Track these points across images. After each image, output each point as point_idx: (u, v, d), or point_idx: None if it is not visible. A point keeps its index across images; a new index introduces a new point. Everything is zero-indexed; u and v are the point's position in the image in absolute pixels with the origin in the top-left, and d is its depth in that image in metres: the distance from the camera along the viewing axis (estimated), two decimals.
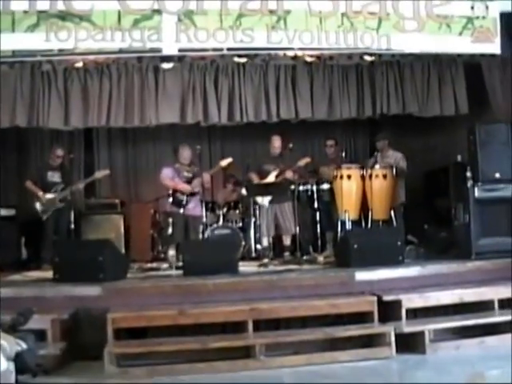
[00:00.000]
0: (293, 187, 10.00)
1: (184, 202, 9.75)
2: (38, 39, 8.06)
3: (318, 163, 10.87)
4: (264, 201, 9.94)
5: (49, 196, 10.15)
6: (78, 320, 7.00)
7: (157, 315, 6.87)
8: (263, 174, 10.11)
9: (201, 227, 10.30)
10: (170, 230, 10.36)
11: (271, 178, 9.96)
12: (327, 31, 8.51)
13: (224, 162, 9.99)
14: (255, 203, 10.97)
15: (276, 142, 10.23)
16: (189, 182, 9.86)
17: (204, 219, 10.36)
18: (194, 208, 9.93)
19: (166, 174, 9.95)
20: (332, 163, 10.40)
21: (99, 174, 10.74)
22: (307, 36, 8.48)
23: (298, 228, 9.99)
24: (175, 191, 9.81)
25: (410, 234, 10.06)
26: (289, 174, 9.92)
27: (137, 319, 6.83)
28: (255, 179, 10.19)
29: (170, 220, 10.32)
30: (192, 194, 9.80)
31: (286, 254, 10.09)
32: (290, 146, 9.98)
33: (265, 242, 10.16)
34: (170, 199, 9.87)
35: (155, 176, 12.27)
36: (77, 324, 6.98)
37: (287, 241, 10.20)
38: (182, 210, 9.74)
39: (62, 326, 6.72)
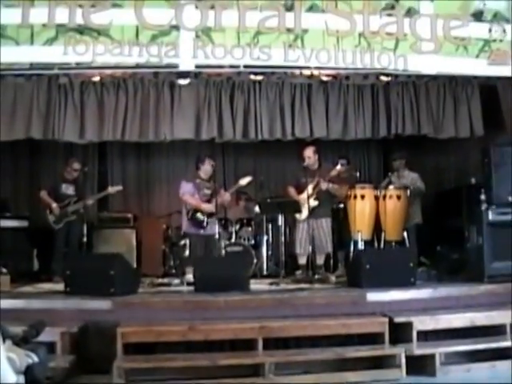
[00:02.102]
0: (316, 203, 9.84)
1: (205, 224, 9.56)
2: (55, 52, 8.14)
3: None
4: (301, 216, 9.87)
5: (62, 208, 10.19)
6: (87, 333, 6.99)
7: (166, 330, 6.85)
8: (301, 187, 10.00)
9: (222, 244, 10.27)
10: (187, 252, 10.31)
11: (309, 191, 9.79)
12: (344, 50, 8.53)
13: (244, 181, 9.82)
14: (268, 220, 10.99)
15: (308, 152, 10.08)
16: (208, 200, 9.65)
17: (217, 236, 10.19)
18: (213, 227, 9.69)
19: (187, 189, 9.73)
20: (344, 182, 10.35)
21: (112, 189, 10.75)
22: (324, 55, 8.50)
23: (332, 246, 10.06)
24: (195, 211, 9.62)
25: (422, 256, 10.02)
26: (323, 185, 9.82)
27: (146, 334, 6.81)
28: (293, 193, 10.10)
29: (187, 241, 10.26)
30: (212, 214, 9.61)
31: (298, 272, 10.05)
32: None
33: (302, 260, 10.02)
34: (188, 219, 9.68)
35: (168, 191, 12.42)
36: (86, 337, 6.97)
37: (321, 260, 10.07)
38: (202, 231, 9.60)
39: (71, 339, 6.72)
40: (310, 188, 9.80)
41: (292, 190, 10.14)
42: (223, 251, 10.21)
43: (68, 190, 10.46)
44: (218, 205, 9.57)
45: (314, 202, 9.76)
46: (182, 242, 10.77)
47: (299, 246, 9.97)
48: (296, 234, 10.11)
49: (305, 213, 9.72)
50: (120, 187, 10.82)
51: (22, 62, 8.28)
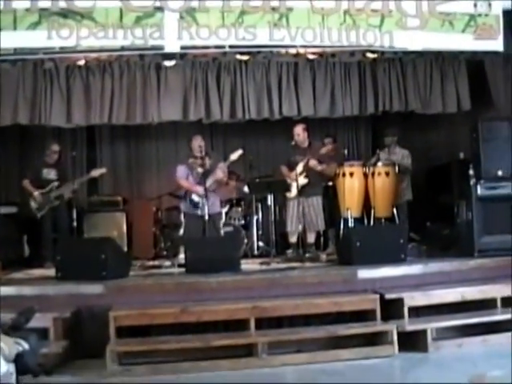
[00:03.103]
0: (305, 181, 9.86)
1: (200, 205, 9.54)
2: (39, 37, 8.11)
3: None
4: (291, 194, 9.87)
5: (42, 194, 10.11)
6: (80, 318, 7.00)
7: (159, 313, 6.86)
8: (292, 166, 10.01)
9: (221, 223, 10.23)
10: (181, 231, 10.31)
11: (300, 168, 9.83)
12: (329, 28, 8.54)
13: (234, 155, 9.73)
14: (257, 200, 10.99)
15: (297, 129, 10.08)
16: (201, 179, 9.54)
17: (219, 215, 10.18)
18: (212, 206, 9.56)
19: (181, 172, 9.73)
20: (332, 161, 10.33)
21: (95, 172, 10.55)
22: (309, 33, 8.51)
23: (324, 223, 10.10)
24: (190, 193, 9.65)
25: (413, 232, 10.06)
26: (312, 163, 9.83)
27: (139, 317, 6.83)
28: (286, 172, 10.10)
29: (183, 221, 10.25)
30: (207, 194, 9.51)
31: (289, 251, 10.07)
32: None
33: (292, 238, 10.09)
34: (185, 201, 9.75)
35: (157, 173, 12.42)
36: (79, 322, 6.98)
37: (311, 238, 10.13)
38: (199, 212, 9.57)
39: (64, 325, 6.73)
40: (300, 166, 9.82)
41: (284, 169, 10.14)
42: (221, 231, 10.16)
43: (49, 174, 10.32)
44: (211, 182, 9.54)
45: (303, 180, 9.78)
46: (175, 223, 10.73)
47: (290, 224, 10.00)
48: (287, 213, 10.14)
49: (294, 191, 9.73)
50: (103, 170, 10.64)
51: (6, 48, 8.21)
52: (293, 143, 10.01)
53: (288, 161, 10.14)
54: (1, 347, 4.57)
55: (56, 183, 10.25)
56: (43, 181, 10.26)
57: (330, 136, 11.11)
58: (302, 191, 9.71)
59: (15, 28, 8.05)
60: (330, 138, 10.94)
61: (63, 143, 10.87)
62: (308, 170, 9.84)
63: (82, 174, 11.23)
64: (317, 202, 10.00)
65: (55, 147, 10.44)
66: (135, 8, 8.21)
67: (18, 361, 4.77)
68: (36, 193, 10.11)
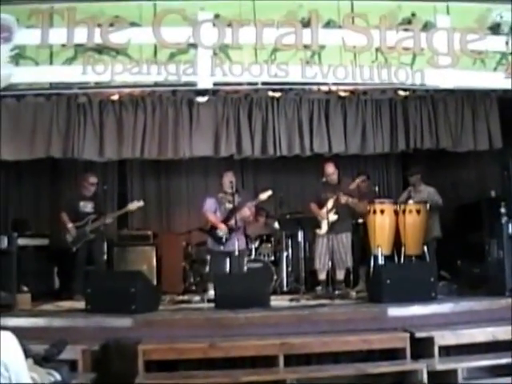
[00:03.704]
0: (335, 217, 9.86)
1: (224, 240, 9.61)
2: (75, 72, 8.24)
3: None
4: (321, 230, 9.86)
5: (78, 228, 10.14)
6: (108, 351, 7.00)
7: (187, 348, 6.85)
8: (322, 203, 10.01)
9: (245, 260, 10.20)
10: (207, 268, 10.34)
11: (329, 205, 9.83)
12: (361, 66, 8.55)
13: (264, 196, 9.78)
14: (287, 236, 10.99)
15: (329, 168, 10.14)
16: (228, 215, 9.65)
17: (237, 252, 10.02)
18: (236, 243, 9.58)
19: (209, 205, 9.82)
20: (365, 198, 10.33)
21: (132, 205, 10.57)
22: (341, 71, 8.53)
23: (352, 261, 10.09)
24: (215, 228, 9.70)
25: (443, 270, 9.98)
26: (343, 199, 9.84)
27: (167, 351, 6.81)
28: (315, 209, 10.10)
29: (208, 257, 10.30)
30: (232, 230, 9.59)
31: (318, 288, 10.03)
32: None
33: (322, 275, 10.04)
34: (208, 234, 9.81)
35: (187, 208, 12.47)
36: (107, 355, 6.98)
37: (341, 275, 10.08)
38: (222, 248, 9.61)
39: (92, 357, 6.72)
40: (330, 203, 9.81)
41: (314, 206, 10.14)
42: (245, 268, 10.13)
43: (86, 207, 10.35)
44: (237, 219, 9.53)
45: (333, 217, 9.78)
46: (205, 258, 10.74)
47: (319, 261, 9.97)
48: (316, 249, 10.11)
49: (324, 228, 9.73)
50: (141, 203, 10.61)
51: (42, 82, 8.35)
52: (323, 180, 10.01)
53: (317, 198, 10.14)
54: (33, 378, 4.58)
55: (93, 216, 10.27)
56: (80, 213, 10.29)
57: (363, 173, 11.11)
58: (331, 228, 9.71)
59: (51, 63, 8.20)
60: (363, 176, 10.94)
61: (94, 173, 10.85)
62: (338, 207, 9.83)
63: (113, 207, 11.30)
64: (346, 238, 9.99)
65: (93, 179, 10.48)
66: (169, 44, 8.31)
67: None
68: (70, 225, 10.14)
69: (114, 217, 10.66)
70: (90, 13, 8.27)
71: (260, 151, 10.58)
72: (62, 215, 10.31)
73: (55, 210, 10.96)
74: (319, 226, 9.83)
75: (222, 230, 9.55)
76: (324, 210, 9.76)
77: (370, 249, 10.00)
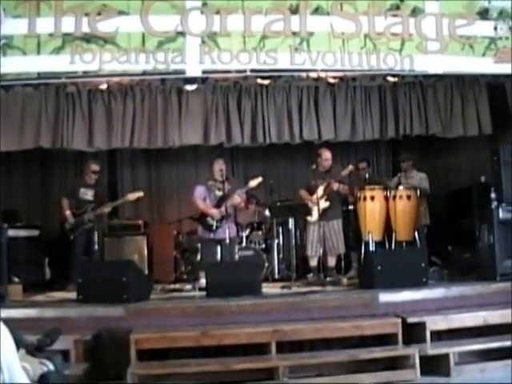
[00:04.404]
0: (327, 204, 9.87)
1: (214, 228, 9.57)
2: (62, 61, 8.20)
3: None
4: (312, 217, 9.86)
5: (76, 216, 10.06)
6: (100, 341, 6.99)
7: (180, 336, 6.86)
8: (312, 190, 9.99)
9: (237, 247, 10.19)
10: (198, 257, 10.35)
11: (320, 192, 9.83)
12: (350, 52, 8.56)
13: (254, 182, 9.70)
14: (278, 224, 11.00)
15: (327, 154, 10.12)
16: (219, 202, 9.60)
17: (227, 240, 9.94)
18: (226, 231, 9.46)
19: (199, 193, 9.73)
20: (354, 184, 10.32)
21: (132, 195, 10.37)
22: (330, 57, 8.53)
23: (344, 247, 10.10)
24: (205, 215, 9.65)
25: (434, 256, 10.01)
26: (335, 186, 9.83)
27: (160, 340, 6.82)
28: (305, 196, 10.09)
29: (199, 245, 10.30)
30: (222, 217, 9.54)
31: (310, 275, 10.04)
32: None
33: (313, 262, 10.07)
34: (199, 223, 9.77)
35: (178, 197, 12.46)
36: (99, 345, 6.97)
37: (332, 262, 10.11)
38: (212, 235, 9.60)
39: (84, 347, 6.73)
40: (320, 189, 9.81)
41: (304, 193, 10.13)
42: (236, 256, 10.13)
43: (86, 194, 10.26)
44: (227, 207, 9.52)
45: (325, 204, 9.79)
46: (196, 247, 10.74)
47: (310, 248, 9.98)
48: (307, 236, 10.11)
49: (315, 215, 9.73)
50: (141, 193, 10.46)
51: (30, 72, 8.32)
52: (313, 167, 10.02)
53: (308, 185, 10.14)
54: (25, 368, 4.57)
55: (92, 205, 10.18)
56: (80, 201, 10.23)
57: (365, 160, 11.14)
58: (322, 215, 9.74)
59: (39, 52, 8.16)
60: (365, 162, 10.95)
61: (96, 161, 10.79)
62: (329, 194, 9.84)
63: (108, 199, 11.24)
64: (337, 225, 10.00)
65: (95, 167, 10.40)
66: (157, 33, 8.29)
67: (43, 381, 4.77)
68: (68, 213, 10.09)
69: (113, 206, 10.57)
70: (78, 1, 8.22)
71: (250, 139, 10.56)
72: (62, 201, 10.24)
73: (45, 200, 10.92)
74: (310, 213, 9.81)
75: (215, 215, 9.52)
76: (314, 197, 9.75)
77: (361, 235, 10.02)
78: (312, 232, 9.95)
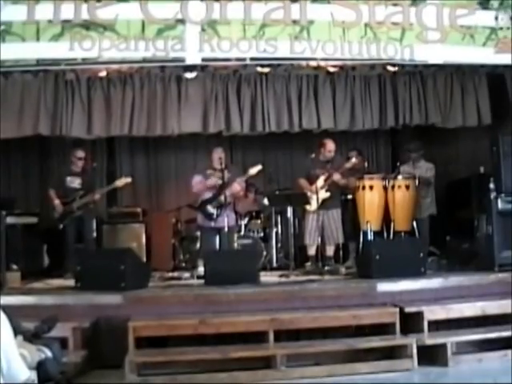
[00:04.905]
0: (327, 195, 9.85)
1: (214, 216, 9.54)
2: (62, 48, 8.20)
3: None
4: (312, 207, 9.85)
5: (64, 204, 10.00)
6: (98, 328, 7.03)
7: (178, 324, 6.88)
8: (312, 179, 10.00)
9: (236, 236, 10.20)
10: (197, 245, 10.36)
11: (320, 182, 9.84)
12: (350, 41, 8.56)
13: (254, 170, 9.66)
14: (277, 213, 10.99)
15: (331, 145, 10.10)
16: (218, 191, 9.54)
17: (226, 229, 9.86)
18: (225, 219, 9.44)
19: (196, 180, 9.76)
20: (358, 174, 10.31)
21: (120, 182, 10.35)
22: (330, 46, 8.53)
23: (343, 237, 10.11)
24: (205, 203, 9.64)
25: (433, 246, 10.01)
26: (336, 177, 9.82)
27: (158, 328, 6.84)
28: (306, 185, 10.04)
29: (198, 234, 10.31)
30: (222, 206, 9.51)
31: (308, 264, 10.05)
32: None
33: (311, 251, 10.07)
34: (199, 211, 9.75)
35: (177, 185, 12.43)
36: (98, 332, 7.01)
37: (330, 251, 10.11)
38: (212, 224, 9.58)
39: (82, 335, 6.75)
40: (321, 180, 9.81)
41: (304, 182, 10.10)
42: (235, 244, 10.14)
43: (73, 183, 10.19)
44: (226, 196, 9.47)
45: (325, 194, 9.77)
46: (194, 235, 10.74)
47: (309, 237, 9.98)
48: (305, 225, 10.11)
49: (315, 204, 9.71)
50: (129, 179, 10.41)
51: (29, 59, 8.33)
52: (312, 156, 10.02)
53: (307, 174, 10.13)
54: (23, 354, 4.58)
55: (80, 192, 10.10)
56: (66, 189, 10.16)
57: (356, 149, 11.10)
58: (322, 204, 9.71)
59: (38, 39, 8.15)
60: (355, 152, 10.92)
61: (82, 148, 10.68)
62: (330, 184, 9.82)
63: (101, 185, 11.19)
64: (337, 214, 10.01)
65: (80, 153, 10.31)
66: (157, 20, 8.28)
67: (41, 368, 4.78)
68: (57, 202, 10.02)
69: (102, 193, 10.55)
70: None
71: (249, 127, 10.53)
72: (49, 192, 10.20)
73: (44, 187, 10.90)
74: (309, 203, 9.80)
75: (211, 182, 9.56)
76: (314, 187, 9.74)
77: (360, 225, 10.01)
78: (311, 221, 9.93)
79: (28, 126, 9.97)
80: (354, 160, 9.94)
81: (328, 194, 9.81)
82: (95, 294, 7.46)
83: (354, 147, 11.36)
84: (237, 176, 9.68)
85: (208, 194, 9.64)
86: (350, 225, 10.50)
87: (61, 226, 10.00)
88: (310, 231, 9.95)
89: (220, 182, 9.55)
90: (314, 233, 9.87)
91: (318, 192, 9.65)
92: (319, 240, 9.83)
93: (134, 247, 10.20)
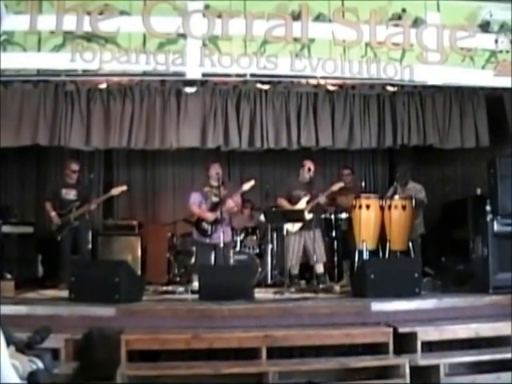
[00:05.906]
0: (311, 216, 9.86)
1: (209, 232, 9.57)
2: (63, 59, 8.21)
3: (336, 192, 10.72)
4: (294, 227, 9.87)
5: (61, 216, 9.99)
6: (91, 340, 6.97)
7: (170, 338, 6.84)
8: (293, 200, 10.04)
9: (231, 252, 10.19)
10: (192, 260, 10.36)
11: (302, 204, 9.88)
12: (350, 61, 8.57)
13: (247, 186, 9.66)
14: (272, 229, 10.99)
15: (310, 166, 10.07)
16: (214, 208, 9.59)
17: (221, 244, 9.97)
18: (221, 235, 9.40)
19: (194, 199, 9.73)
20: (349, 192, 10.36)
21: (116, 190, 10.29)
22: (330, 65, 8.54)
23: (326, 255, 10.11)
24: (201, 220, 9.64)
25: (427, 266, 10.01)
26: (322, 200, 9.88)
27: (150, 342, 6.80)
28: (285, 205, 10.08)
29: (193, 248, 10.31)
30: (217, 222, 9.53)
31: (302, 282, 10.05)
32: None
33: (294, 271, 10.10)
34: (195, 228, 9.78)
35: (173, 199, 12.46)
36: (90, 344, 6.95)
37: (320, 269, 10.08)
38: (207, 240, 9.59)
39: (75, 346, 6.70)
40: (303, 201, 9.85)
41: (284, 202, 10.15)
42: (231, 260, 10.13)
43: (68, 195, 10.19)
44: (222, 212, 9.48)
45: (308, 216, 9.80)
46: (189, 250, 10.73)
47: (291, 258, 10.01)
48: (287, 246, 10.01)
49: (297, 225, 9.75)
50: (124, 187, 10.34)
51: (29, 69, 8.33)
52: (307, 177, 10.02)
53: (288, 194, 10.19)
54: (14, 365, 4.55)
55: (77, 203, 10.10)
56: (63, 201, 10.15)
57: (348, 167, 11.13)
58: (304, 225, 9.80)
59: (39, 49, 8.16)
60: (348, 170, 10.95)
61: (81, 165, 10.75)
62: (315, 206, 9.86)
63: (98, 196, 11.18)
64: (318, 234, 10.03)
65: (74, 166, 10.31)
66: (158, 34, 8.29)
67: (31, 379, 4.75)
68: (53, 214, 10.01)
69: (99, 202, 10.56)
70: (80, 0, 8.23)
71: (247, 143, 10.58)
72: (45, 205, 10.19)
73: (41, 197, 10.90)
74: (304, 219, 9.79)
75: (209, 220, 9.52)
76: (296, 207, 9.79)
77: (355, 243, 10.02)
78: (293, 242, 9.97)
79: (26, 136, 9.99)
80: (340, 184, 10.00)
81: (311, 216, 9.83)
82: (89, 306, 7.42)
83: (345, 165, 11.38)
84: (233, 192, 9.69)
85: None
86: (343, 244, 10.51)
87: (59, 238, 9.97)
88: (293, 252, 9.97)
89: (216, 199, 9.56)
90: (297, 253, 9.92)
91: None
92: (300, 260, 9.93)
93: (128, 260, 10.22)
